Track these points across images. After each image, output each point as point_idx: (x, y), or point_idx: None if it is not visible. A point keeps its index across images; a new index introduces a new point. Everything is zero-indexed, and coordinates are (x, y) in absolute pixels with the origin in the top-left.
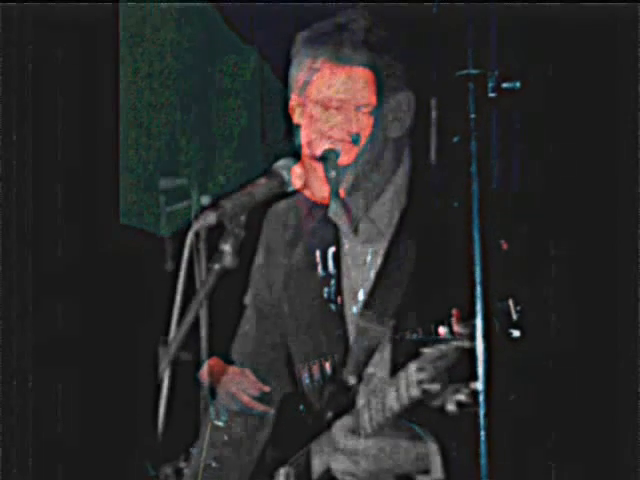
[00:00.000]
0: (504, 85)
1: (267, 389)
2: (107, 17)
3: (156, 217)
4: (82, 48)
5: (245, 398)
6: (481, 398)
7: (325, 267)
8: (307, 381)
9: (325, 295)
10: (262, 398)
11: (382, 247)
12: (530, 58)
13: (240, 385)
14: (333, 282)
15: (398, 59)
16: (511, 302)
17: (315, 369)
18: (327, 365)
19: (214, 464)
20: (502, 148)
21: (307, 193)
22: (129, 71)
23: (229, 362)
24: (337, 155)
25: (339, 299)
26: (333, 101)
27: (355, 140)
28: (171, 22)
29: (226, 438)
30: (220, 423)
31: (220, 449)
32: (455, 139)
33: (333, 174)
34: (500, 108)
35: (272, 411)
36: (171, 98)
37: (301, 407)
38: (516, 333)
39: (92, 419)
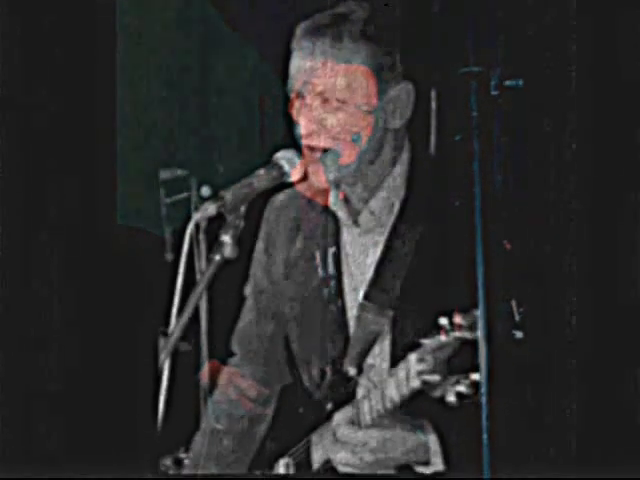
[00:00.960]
0: (507, 83)
1: (266, 391)
2: (105, 14)
3: (155, 217)
4: (79, 46)
5: (245, 402)
6: (483, 389)
7: (325, 268)
8: (307, 384)
9: (325, 296)
10: (260, 399)
11: (382, 238)
12: (533, 55)
13: (239, 389)
14: (333, 283)
15: (397, 50)
16: (514, 303)
17: (315, 373)
18: (328, 369)
19: (213, 462)
20: (504, 146)
21: (304, 191)
22: (127, 69)
23: (229, 355)
24: (338, 155)
25: (339, 298)
26: (333, 101)
27: (356, 140)
28: (170, 20)
29: (225, 433)
30: (219, 426)
31: (220, 441)
32: (457, 137)
33: (333, 175)
34: (503, 106)
35: (270, 412)
36: (169, 96)
37: (301, 410)
38: (519, 334)
39: (92, 410)
